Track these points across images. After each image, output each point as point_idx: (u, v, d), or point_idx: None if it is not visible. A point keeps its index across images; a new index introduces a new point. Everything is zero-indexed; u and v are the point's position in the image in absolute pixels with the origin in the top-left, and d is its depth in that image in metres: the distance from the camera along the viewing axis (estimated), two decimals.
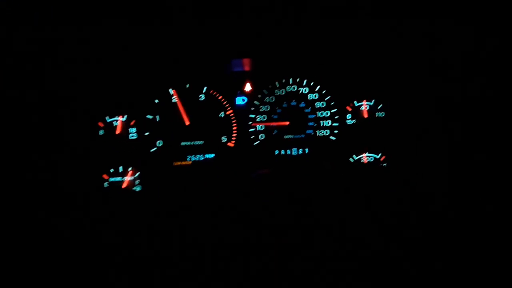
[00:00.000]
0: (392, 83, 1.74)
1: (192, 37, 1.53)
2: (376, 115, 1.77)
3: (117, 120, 1.71)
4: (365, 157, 1.76)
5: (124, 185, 1.71)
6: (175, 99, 1.73)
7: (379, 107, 1.77)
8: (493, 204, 1.58)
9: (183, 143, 1.74)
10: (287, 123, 1.77)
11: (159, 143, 1.73)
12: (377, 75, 1.76)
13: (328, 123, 1.78)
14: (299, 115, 1.77)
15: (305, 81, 1.77)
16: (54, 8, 1.49)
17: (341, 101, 1.78)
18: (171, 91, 1.73)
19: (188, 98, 1.73)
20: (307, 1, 1.55)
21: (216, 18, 1.49)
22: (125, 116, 1.72)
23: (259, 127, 1.77)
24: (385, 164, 1.76)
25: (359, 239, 1.53)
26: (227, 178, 1.72)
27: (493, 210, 1.56)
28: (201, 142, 1.74)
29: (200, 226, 1.60)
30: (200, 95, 1.75)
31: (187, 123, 1.72)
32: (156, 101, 1.73)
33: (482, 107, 1.63)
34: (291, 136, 1.77)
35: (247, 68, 1.70)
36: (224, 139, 1.76)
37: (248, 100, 1.77)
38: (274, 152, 1.77)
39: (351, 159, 1.76)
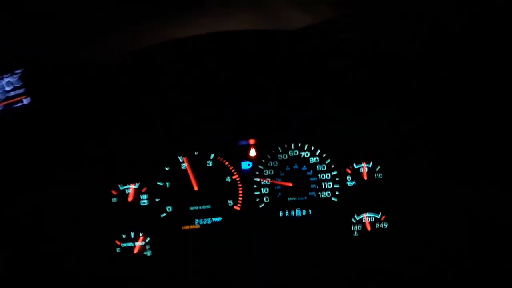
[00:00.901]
0: (390, 146, 1.84)
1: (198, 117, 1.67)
2: (375, 177, 1.86)
3: (129, 188, 1.81)
4: (366, 217, 1.84)
5: (135, 250, 1.78)
6: (184, 166, 1.83)
7: (377, 169, 1.86)
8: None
9: (191, 208, 1.82)
10: (291, 184, 1.86)
11: (169, 208, 1.82)
12: (375, 139, 1.86)
13: (330, 185, 1.87)
14: (301, 178, 1.86)
15: (306, 146, 1.88)
16: None
17: (341, 164, 1.87)
18: (181, 159, 1.83)
19: (196, 165, 1.84)
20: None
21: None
22: (137, 184, 1.82)
23: (264, 190, 1.86)
24: (385, 223, 1.83)
25: None
26: (234, 240, 1.79)
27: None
28: (208, 206, 1.83)
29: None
30: (208, 162, 1.85)
31: (196, 188, 1.82)
32: (167, 168, 1.83)
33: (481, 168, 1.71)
34: (295, 198, 1.86)
35: (252, 142, 1.82)
36: (230, 202, 1.84)
37: (253, 165, 1.87)
38: (279, 214, 1.85)
39: (352, 219, 1.84)
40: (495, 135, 1.67)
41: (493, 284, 1.58)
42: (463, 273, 1.67)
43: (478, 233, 1.69)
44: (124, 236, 1.79)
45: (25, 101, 1.54)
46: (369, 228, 1.82)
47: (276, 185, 1.86)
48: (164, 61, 1.64)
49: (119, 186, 1.81)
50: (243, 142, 1.83)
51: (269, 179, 1.84)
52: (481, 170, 1.71)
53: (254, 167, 1.87)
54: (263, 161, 1.87)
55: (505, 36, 1.47)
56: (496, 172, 1.69)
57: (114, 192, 1.81)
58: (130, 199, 1.80)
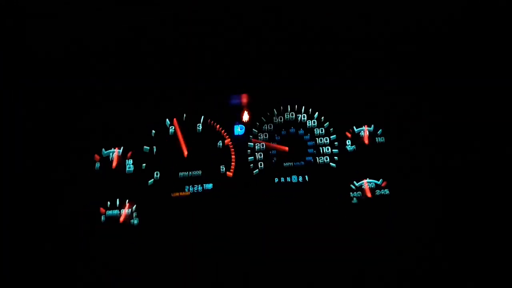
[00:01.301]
0: (392, 109, 1.73)
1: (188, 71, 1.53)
2: (377, 141, 1.75)
3: (113, 153, 1.68)
4: (366, 183, 1.74)
5: (121, 219, 1.67)
6: (172, 130, 1.71)
7: (379, 133, 1.75)
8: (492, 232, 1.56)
9: (181, 174, 1.71)
10: (287, 148, 1.74)
11: (157, 175, 1.70)
12: (376, 100, 1.74)
13: (328, 149, 1.75)
14: (298, 142, 1.75)
15: (303, 108, 1.75)
16: None
17: (340, 127, 1.76)
18: (168, 122, 1.71)
19: (185, 129, 1.71)
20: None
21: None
22: (121, 148, 1.69)
23: (258, 155, 1.75)
24: (386, 190, 1.73)
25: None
26: (227, 209, 1.69)
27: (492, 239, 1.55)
28: (199, 172, 1.71)
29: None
30: (198, 125, 1.73)
31: (186, 154, 1.70)
32: (153, 132, 1.71)
33: (482, 135, 1.63)
34: (291, 164, 1.74)
35: (244, 100, 1.69)
36: (222, 169, 1.73)
37: (246, 129, 1.74)
38: (274, 180, 1.74)
39: (352, 186, 1.74)
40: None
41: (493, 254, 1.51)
42: (463, 242, 1.60)
43: (479, 203, 1.61)
44: (108, 204, 1.67)
45: None
46: (369, 195, 1.72)
47: (271, 149, 1.74)
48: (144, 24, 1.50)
49: (103, 151, 1.68)
50: (235, 101, 1.69)
51: (264, 142, 1.72)
52: (480, 138, 1.62)
53: (248, 131, 1.75)
54: (257, 124, 1.75)
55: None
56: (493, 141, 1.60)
57: (96, 158, 1.68)
58: (114, 165, 1.67)
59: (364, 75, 1.70)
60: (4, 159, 1.53)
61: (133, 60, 1.59)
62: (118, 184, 1.70)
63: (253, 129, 1.75)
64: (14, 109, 1.55)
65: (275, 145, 1.73)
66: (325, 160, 1.75)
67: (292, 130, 1.75)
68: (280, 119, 1.75)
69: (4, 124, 1.52)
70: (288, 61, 1.65)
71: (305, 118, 1.76)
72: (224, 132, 1.74)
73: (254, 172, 1.74)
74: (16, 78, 1.53)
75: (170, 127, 1.72)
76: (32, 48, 1.46)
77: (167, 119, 1.72)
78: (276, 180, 1.74)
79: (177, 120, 1.71)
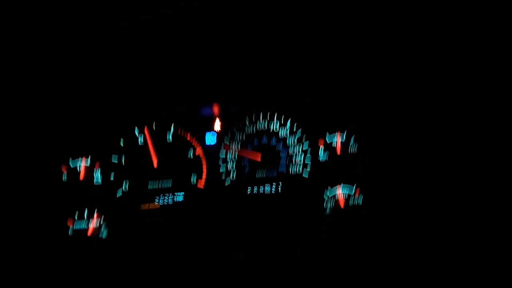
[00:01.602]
0: (364, 117, 1.72)
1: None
2: (349, 150, 1.74)
3: (80, 165, 1.64)
4: (339, 194, 1.73)
5: (89, 233, 1.63)
6: (141, 139, 1.67)
7: (351, 141, 1.74)
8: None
9: (150, 186, 1.67)
10: (259, 158, 1.72)
11: (125, 186, 1.66)
12: (349, 108, 1.73)
13: (300, 159, 1.74)
14: (270, 152, 1.73)
15: (275, 116, 1.73)
16: None
17: (312, 136, 1.74)
18: (137, 131, 1.66)
19: (155, 138, 1.67)
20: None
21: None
22: (89, 158, 1.65)
23: (230, 166, 1.72)
24: (359, 200, 1.73)
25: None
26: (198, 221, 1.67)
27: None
28: (169, 184, 1.68)
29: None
30: (168, 134, 1.69)
31: (156, 165, 1.66)
32: (121, 141, 1.66)
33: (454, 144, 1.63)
34: (263, 174, 1.72)
35: (216, 110, 1.66)
36: (193, 180, 1.70)
37: (217, 138, 1.71)
38: (247, 191, 1.72)
39: (324, 196, 1.73)
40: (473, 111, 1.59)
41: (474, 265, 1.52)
42: (438, 250, 1.60)
43: (453, 210, 1.62)
44: (76, 217, 1.63)
45: None
46: (342, 206, 1.71)
47: (243, 159, 1.71)
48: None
49: (70, 161, 1.63)
50: (206, 111, 1.66)
51: (237, 148, 1.70)
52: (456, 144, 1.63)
53: (219, 141, 1.71)
54: (229, 134, 1.72)
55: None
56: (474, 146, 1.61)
57: (63, 169, 1.63)
58: (81, 177, 1.63)
59: (337, 78, 1.69)
60: None
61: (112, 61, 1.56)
62: (86, 196, 1.65)
63: (225, 140, 1.72)
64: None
65: (248, 151, 1.71)
66: (297, 171, 1.73)
67: (265, 139, 1.73)
68: (253, 128, 1.73)
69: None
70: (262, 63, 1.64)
71: (278, 128, 1.73)
72: (195, 141, 1.70)
73: (225, 182, 1.71)
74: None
75: (139, 135, 1.67)
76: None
77: (136, 127, 1.67)
78: (249, 190, 1.72)
79: (147, 128, 1.66)
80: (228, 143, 1.71)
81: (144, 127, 1.65)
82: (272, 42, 1.55)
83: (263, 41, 1.57)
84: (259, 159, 1.71)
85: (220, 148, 1.71)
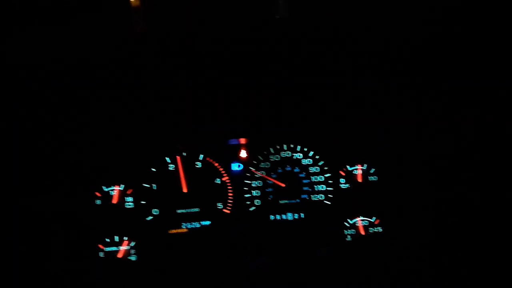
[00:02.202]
0: (384, 148, 1.79)
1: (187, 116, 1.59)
2: (369, 179, 1.81)
3: (113, 190, 1.72)
4: (360, 221, 1.78)
5: (119, 255, 1.70)
6: (172, 167, 1.76)
7: (371, 171, 1.81)
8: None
9: (179, 211, 1.75)
10: (283, 184, 1.79)
11: (155, 211, 1.74)
12: (369, 140, 1.80)
13: (323, 187, 1.81)
14: (293, 180, 1.80)
15: (298, 147, 1.81)
16: None
17: (334, 166, 1.81)
18: (168, 159, 1.75)
19: (184, 166, 1.76)
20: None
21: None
22: (122, 186, 1.73)
23: (255, 193, 1.79)
24: (379, 228, 1.78)
25: None
26: (224, 245, 1.72)
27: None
28: (197, 209, 1.75)
29: None
30: (197, 163, 1.78)
31: (185, 190, 1.74)
32: (153, 169, 1.75)
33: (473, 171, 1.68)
34: (287, 201, 1.79)
35: (243, 142, 1.75)
36: (220, 205, 1.77)
37: (243, 166, 1.80)
38: (270, 217, 1.78)
39: (345, 223, 1.78)
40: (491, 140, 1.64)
41: None
42: (458, 278, 1.63)
43: (473, 239, 1.65)
44: (107, 240, 1.70)
45: None
46: (362, 232, 1.77)
47: (268, 187, 1.79)
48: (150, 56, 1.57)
49: (103, 187, 1.72)
50: (233, 142, 1.75)
51: (262, 174, 1.77)
52: (477, 175, 1.67)
53: (245, 169, 1.80)
54: (254, 162, 1.80)
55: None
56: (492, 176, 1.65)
57: (98, 194, 1.72)
58: (114, 201, 1.71)
59: (357, 114, 1.77)
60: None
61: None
62: (117, 220, 1.73)
63: (250, 167, 1.80)
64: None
65: (272, 179, 1.78)
66: (319, 198, 1.80)
67: (288, 168, 1.81)
68: (277, 157, 1.81)
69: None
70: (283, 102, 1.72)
71: (301, 157, 1.81)
72: (222, 170, 1.79)
73: (250, 209, 1.78)
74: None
75: (170, 165, 1.76)
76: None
77: (166, 157, 1.76)
78: (272, 217, 1.78)
79: (179, 157, 1.76)
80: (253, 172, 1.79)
81: (175, 155, 1.75)
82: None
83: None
84: (283, 185, 1.78)
85: (245, 176, 1.79)
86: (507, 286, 1.56)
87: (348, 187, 1.80)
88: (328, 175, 1.81)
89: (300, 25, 1.49)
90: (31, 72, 1.51)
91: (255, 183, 1.79)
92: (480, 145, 1.68)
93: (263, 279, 1.69)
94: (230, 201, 1.77)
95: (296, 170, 1.81)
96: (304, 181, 1.80)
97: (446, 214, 1.70)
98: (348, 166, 1.81)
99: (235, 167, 1.79)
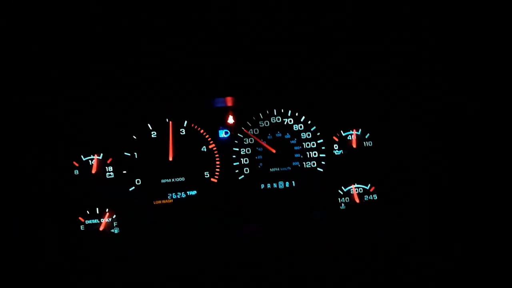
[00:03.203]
0: (379, 112, 1.70)
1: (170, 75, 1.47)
2: (364, 145, 1.72)
3: (93, 159, 1.62)
4: (354, 189, 1.70)
5: (101, 228, 1.61)
6: (154, 134, 1.65)
7: (366, 137, 1.72)
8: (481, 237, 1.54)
9: (163, 181, 1.65)
10: (274, 150, 1.69)
11: (138, 181, 1.64)
12: (363, 104, 1.71)
13: (315, 154, 1.71)
14: (284, 146, 1.71)
15: (289, 111, 1.71)
16: None
17: (327, 131, 1.72)
18: (150, 126, 1.65)
19: (168, 133, 1.65)
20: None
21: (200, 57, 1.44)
22: (101, 155, 1.63)
23: (244, 160, 1.70)
24: (375, 195, 1.70)
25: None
26: (211, 216, 1.64)
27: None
28: (182, 178, 1.65)
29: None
30: (181, 129, 1.67)
31: (171, 158, 1.64)
32: (134, 137, 1.65)
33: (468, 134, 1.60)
34: (277, 169, 1.70)
35: (229, 103, 1.64)
36: (207, 174, 1.68)
37: (231, 133, 1.69)
38: (260, 186, 1.70)
39: (339, 191, 1.70)
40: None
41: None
42: (451, 247, 1.57)
43: (469, 207, 1.58)
44: (88, 212, 1.61)
45: None
46: (357, 200, 1.69)
47: (257, 154, 1.69)
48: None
49: (81, 157, 1.62)
50: (219, 104, 1.64)
51: (254, 137, 1.68)
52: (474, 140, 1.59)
53: (233, 136, 1.69)
54: (242, 128, 1.70)
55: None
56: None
57: (75, 164, 1.61)
58: (93, 171, 1.61)
59: (352, 77, 1.66)
60: None
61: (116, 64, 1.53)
62: (97, 191, 1.63)
63: (238, 134, 1.70)
64: None
65: (263, 143, 1.68)
66: (312, 165, 1.71)
67: (279, 134, 1.71)
68: (266, 123, 1.71)
69: None
70: (273, 64, 1.61)
71: (292, 122, 1.71)
72: (208, 137, 1.69)
73: (239, 177, 1.69)
74: None
75: (152, 132, 1.66)
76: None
77: (148, 124, 1.65)
78: (263, 186, 1.69)
79: (159, 124, 1.65)
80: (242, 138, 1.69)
81: (156, 122, 1.64)
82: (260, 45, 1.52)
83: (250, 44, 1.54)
84: (274, 151, 1.68)
85: (233, 143, 1.69)
86: (500, 250, 1.50)
87: (341, 154, 1.71)
88: (321, 141, 1.72)
89: None
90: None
91: (243, 150, 1.70)
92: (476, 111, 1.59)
93: (252, 247, 1.61)
94: (217, 169, 1.68)
95: (287, 136, 1.71)
96: (296, 147, 1.71)
97: (442, 180, 1.62)
98: (342, 131, 1.72)
99: (222, 133, 1.69)
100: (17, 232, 1.54)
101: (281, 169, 1.70)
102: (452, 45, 1.53)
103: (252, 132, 1.70)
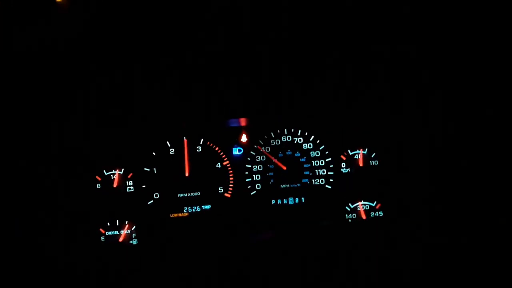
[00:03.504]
0: (385, 133, 1.78)
1: (188, 96, 1.58)
2: (370, 164, 1.80)
3: (114, 174, 1.72)
4: (361, 205, 1.78)
5: (121, 239, 1.70)
6: (173, 151, 1.76)
7: (372, 156, 1.80)
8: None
9: (180, 195, 1.75)
10: (285, 167, 1.78)
11: (156, 195, 1.74)
12: (370, 124, 1.80)
13: (323, 171, 1.80)
14: (294, 164, 1.80)
15: (299, 131, 1.81)
16: None
17: (335, 150, 1.81)
18: (169, 143, 1.75)
19: (186, 150, 1.76)
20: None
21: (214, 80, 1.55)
22: (122, 170, 1.73)
23: (256, 177, 1.79)
24: (380, 212, 1.77)
25: None
26: (225, 228, 1.72)
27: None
28: (198, 193, 1.75)
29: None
30: (197, 147, 1.77)
31: (187, 174, 1.74)
32: (154, 153, 1.75)
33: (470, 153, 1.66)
34: (287, 186, 1.79)
35: (243, 123, 1.74)
36: (221, 189, 1.77)
37: (244, 150, 1.79)
38: (271, 202, 1.78)
39: (347, 208, 1.78)
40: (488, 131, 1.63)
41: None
42: (459, 264, 1.62)
43: (473, 224, 1.64)
44: (108, 224, 1.70)
45: None
46: (364, 217, 1.76)
47: (268, 171, 1.79)
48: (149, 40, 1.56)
49: (104, 171, 1.72)
50: (233, 124, 1.74)
51: (266, 154, 1.78)
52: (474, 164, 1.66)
53: (246, 153, 1.79)
54: (255, 146, 1.80)
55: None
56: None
57: (98, 178, 1.72)
58: (115, 185, 1.71)
59: (359, 99, 1.75)
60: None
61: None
62: (118, 204, 1.73)
63: (251, 151, 1.79)
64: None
65: (275, 160, 1.78)
66: (320, 182, 1.80)
67: (289, 152, 1.80)
68: (277, 141, 1.80)
69: None
70: (285, 86, 1.71)
71: (302, 141, 1.81)
72: (223, 154, 1.78)
73: (251, 193, 1.78)
74: None
75: (171, 149, 1.76)
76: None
77: (167, 141, 1.76)
78: (273, 201, 1.78)
79: (176, 141, 1.75)
80: (254, 156, 1.78)
81: (182, 137, 1.74)
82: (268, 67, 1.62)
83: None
84: (285, 168, 1.77)
85: (246, 160, 1.78)
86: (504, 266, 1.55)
87: (349, 171, 1.80)
88: (329, 159, 1.80)
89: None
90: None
91: (256, 167, 1.79)
92: (478, 132, 1.66)
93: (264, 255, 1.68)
94: (231, 185, 1.77)
95: (297, 154, 1.80)
96: (305, 165, 1.80)
97: (446, 199, 1.69)
98: (349, 151, 1.81)
99: (236, 151, 1.79)
100: (45, 243, 1.63)
101: (291, 185, 1.79)
102: (455, 62, 1.61)
103: (264, 150, 1.79)
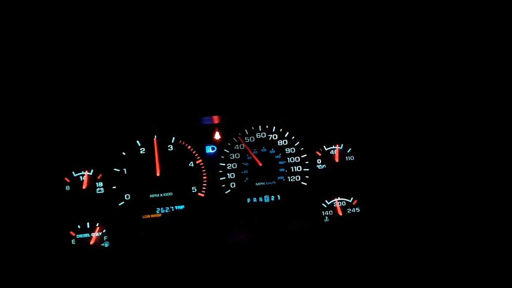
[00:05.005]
0: (361, 128, 1.75)
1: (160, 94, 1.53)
2: (346, 159, 1.77)
3: (83, 175, 1.67)
4: (337, 202, 1.75)
5: (92, 242, 1.66)
6: (143, 150, 1.71)
7: (348, 151, 1.78)
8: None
9: (152, 195, 1.70)
10: (261, 164, 1.75)
11: (127, 196, 1.69)
12: (345, 120, 1.77)
13: (299, 168, 1.77)
14: (269, 161, 1.76)
15: (273, 128, 1.77)
16: None
17: (310, 146, 1.78)
18: (139, 143, 1.70)
19: (157, 149, 1.71)
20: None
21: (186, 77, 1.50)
22: (92, 171, 1.68)
23: (230, 175, 1.75)
24: (357, 208, 1.75)
25: None
26: (199, 229, 1.69)
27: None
28: (170, 193, 1.71)
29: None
30: (169, 146, 1.73)
31: (159, 174, 1.69)
32: (123, 153, 1.70)
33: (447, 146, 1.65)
34: (263, 183, 1.75)
35: (216, 121, 1.70)
36: (194, 189, 1.73)
37: (217, 149, 1.75)
38: (246, 200, 1.75)
39: (323, 204, 1.75)
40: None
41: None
42: (435, 259, 1.61)
43: (451, 217, 1.63)
44: (79, 227, 1.66)
45: None
46: (340, 213, 1.74)
47: (243, 169, 1.75)
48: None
49: (72, 173, 1.67)
50: (206, 121, 1.70)
51: (246, 145, 1.74)
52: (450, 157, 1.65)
53: (219, 151, 1.75)
54: (229, 144, 1.76)
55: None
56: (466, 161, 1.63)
57: (67, 180, 1.67)
58: (84, 186, 1.67)
59: (334, 95, 1.72)
60: None
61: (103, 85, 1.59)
62: (88, 206, 1.68)
63: (225, 149, 1.75)
64: None
65: (252, 154, 1.74)
66: (296, 179, 1.76)
67: (264, 149, 1.77)
68: (252, 139, 1.77)
69: None
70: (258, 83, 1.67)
71: (276, 138, 1.77)
72: (195, 152, 1.74)
73: (226, 192, 1.74)
74: None
75: (141, 148, 1.71)
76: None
77: (137, 141, 1.71)
78: (249, 200, 1.75)
79: (147, 141, 1.70)
80: (228, 154, 1.75)
81: (151, 137, 1.70)
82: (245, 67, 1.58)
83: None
84: (260, 164, 1.74)
85: (220, 158, 1.74)
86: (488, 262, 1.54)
87: (325, 168, 1.77)
88: (304, 155, 1.77)
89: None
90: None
91: (230, 165, 1.75)
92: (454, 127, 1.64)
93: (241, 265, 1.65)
94: (204, 184, 1.73)
95: (272, 151, 1.77)
96: (280, 162, 1.77)
97: (424, 193, 1.67)
98: (324, 146, 1.78)
99: (209, 149, 1.75)
100: (14, 248, 1.58)
101: (266, 183, 1.75)
102: (431, 59, 1.59)
103: (238, 148, 1.75)
